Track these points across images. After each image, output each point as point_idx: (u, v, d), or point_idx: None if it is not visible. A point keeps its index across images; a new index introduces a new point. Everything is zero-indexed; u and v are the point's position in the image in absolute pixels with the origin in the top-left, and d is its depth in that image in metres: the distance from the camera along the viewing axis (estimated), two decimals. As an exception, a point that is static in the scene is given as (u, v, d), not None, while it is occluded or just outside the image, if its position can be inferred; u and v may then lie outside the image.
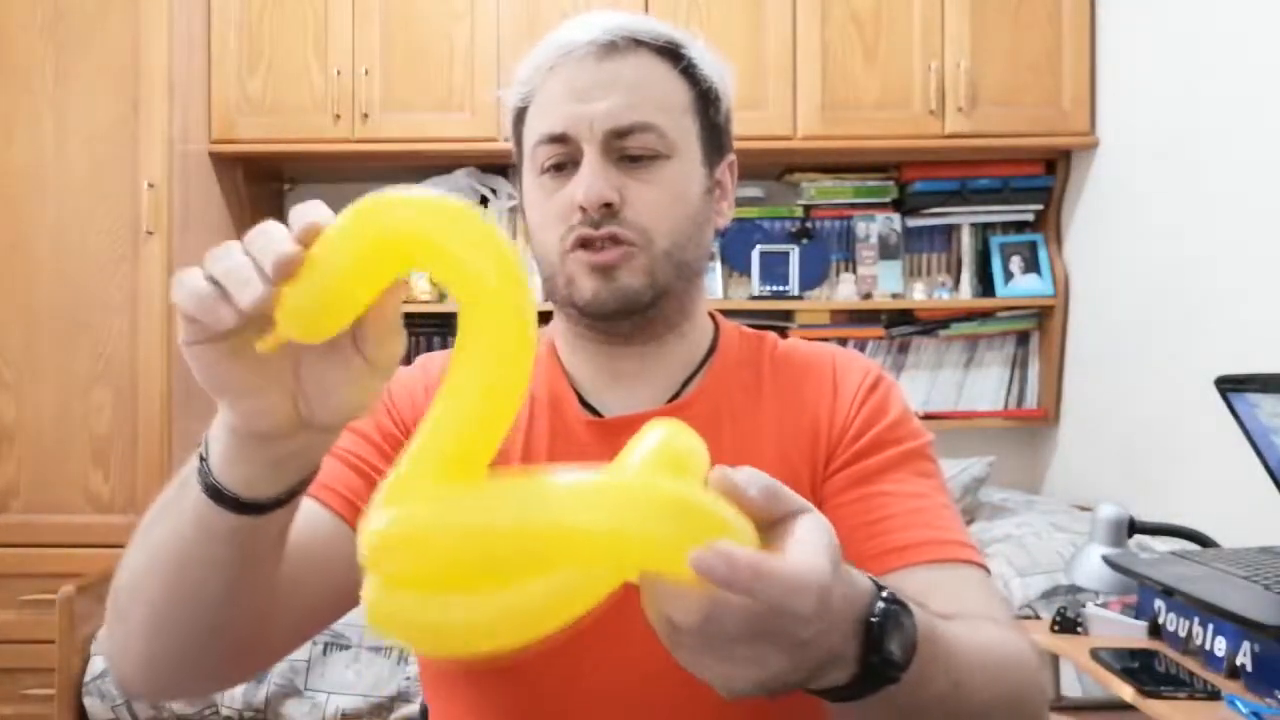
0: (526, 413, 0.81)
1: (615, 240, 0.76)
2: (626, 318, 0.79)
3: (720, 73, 0.83)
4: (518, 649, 0.43)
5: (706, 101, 0.82)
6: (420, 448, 0.46)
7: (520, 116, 0.83)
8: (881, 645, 0.49)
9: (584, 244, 0.76)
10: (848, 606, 0.48)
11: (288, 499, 0.56)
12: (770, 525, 0.46)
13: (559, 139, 0.77)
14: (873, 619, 0.49)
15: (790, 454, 0.79)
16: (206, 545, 0.56)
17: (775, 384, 0.83)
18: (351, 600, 0.73)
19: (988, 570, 0.75)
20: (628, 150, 0.77)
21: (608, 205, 0.75)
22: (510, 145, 0.87)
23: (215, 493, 0.54)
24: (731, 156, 0.86)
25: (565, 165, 0.78)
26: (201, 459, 0.55)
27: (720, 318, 0.90)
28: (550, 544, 0.42)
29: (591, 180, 0.75)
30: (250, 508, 0.55)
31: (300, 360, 0.50)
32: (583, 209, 0.75)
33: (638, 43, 0.78)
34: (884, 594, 0.51)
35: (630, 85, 0.77)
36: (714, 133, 0.83)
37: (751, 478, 0.46)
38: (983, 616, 0.67)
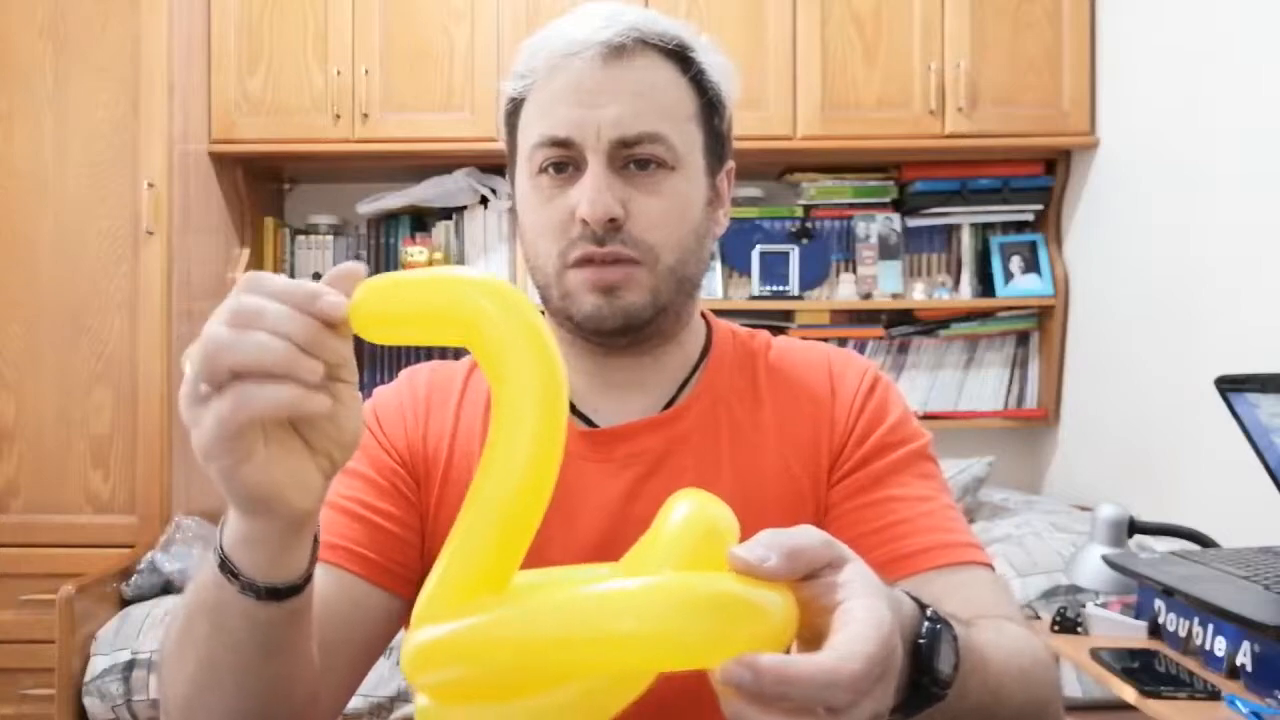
0: None
1: (619, 259, 0.73)
2: (625, 334, 0.77)
3: (726, 78, 0.80)
4: None
5: (712, 109, 0.79)
6: (453, 558, 0.47)
7: (516, 108, 0.79)
8: (931, 665, 0.50)
9: (585, 260, 0.74)
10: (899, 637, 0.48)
11: (307, 574, 0.57)
12: (808, 579, 0.46)
13: (561, 143, 0.74)
14: (920, 640, 0.50)
15: (790, 461, 0.78)
16: (263, 635, 0.57)
17: (772, 388, 0.82)
18: (384, 646, 0.76)
19: (993, 568, 0.76)
20: (634, 157, 0.74)
21: (612, 220, 0.73)
22: (503, 137, 0.83)
23: (257, 590, 0.55)
24: (731, 164, 0.84)
25: (565, 167, 0.75)
26: (225, 566, 0.55)
27: (713, 317, 0.88)
28: (589, 652, 0.43)
29: (596, 194, 0.72)
30: (293, 589, 0.56)
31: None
32: (584, 222, 0.73)
33: (646, 44, 0.75)
34: (928, 613, 0.51)
35: (638, 92, 0.74)
36: (717, 141, 0.81)
37: (768, 547, 0.45)
38: (1000, 617, 0.68)
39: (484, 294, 0.48)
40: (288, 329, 0.46)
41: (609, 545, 0.71)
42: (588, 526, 0.76)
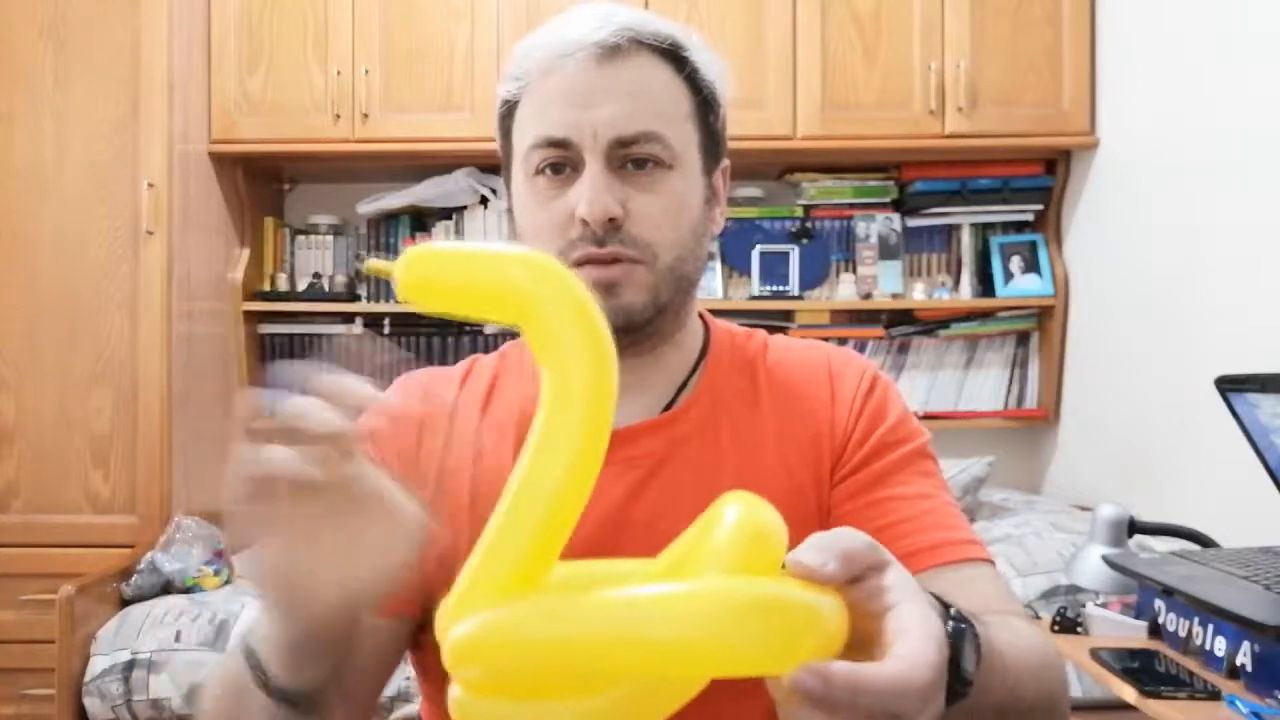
0: (514, 430, 0.79)
1: (618, 259, 0.73)
2: (625, 334, 0.76)
3: (720, 76, 0.81)
4: None
5: (707, 108, 0.80)
6: (498, 540, 0.46)
7: (510, 110, 0.79)
8: (958, 664, 0.50)
9: (585, 261, 0.73)
10: None
11: (336, 680, 0.60)
12: (854, 583, 0.46)
13: (558, 144, 0.74)
14: (948, 636, 0.49)
15: (791, 461, 0.78)
16: None
17: (772, 389, 0.82)
18: (397, 664, 0.77)
19: (993, 563, 0.76)
20: (631, 157, 0.74)
21: (611, 220, 0.73)
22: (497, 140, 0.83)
23: (284, 697, 0.58)
24: (726, 162, 0.84)
25: (562, 168, 0.75)
26: (254, 667, 0.58)
27: (710, 317, 0.88)
28: (635, 656, 0.42)
29: (595, 194, 0.72)
30: (311, 700, 0.59)
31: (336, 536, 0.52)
32: (584, 222, 0.73)
33: (640, 44, 0.75)
34: (952, 612, 0.51)
35: (633, 91, 0.74)
36: (712, 139, 0.81)
37: (823, 551, 0.45)
38: (1006, 613, 0.69)
39: (536, 275, 0.47)
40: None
41: (608, 549, 0.71)
42: (587, 530, 0.75)
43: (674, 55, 0.77)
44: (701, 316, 0.87)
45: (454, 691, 0.45)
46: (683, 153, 0.76)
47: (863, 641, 0.45)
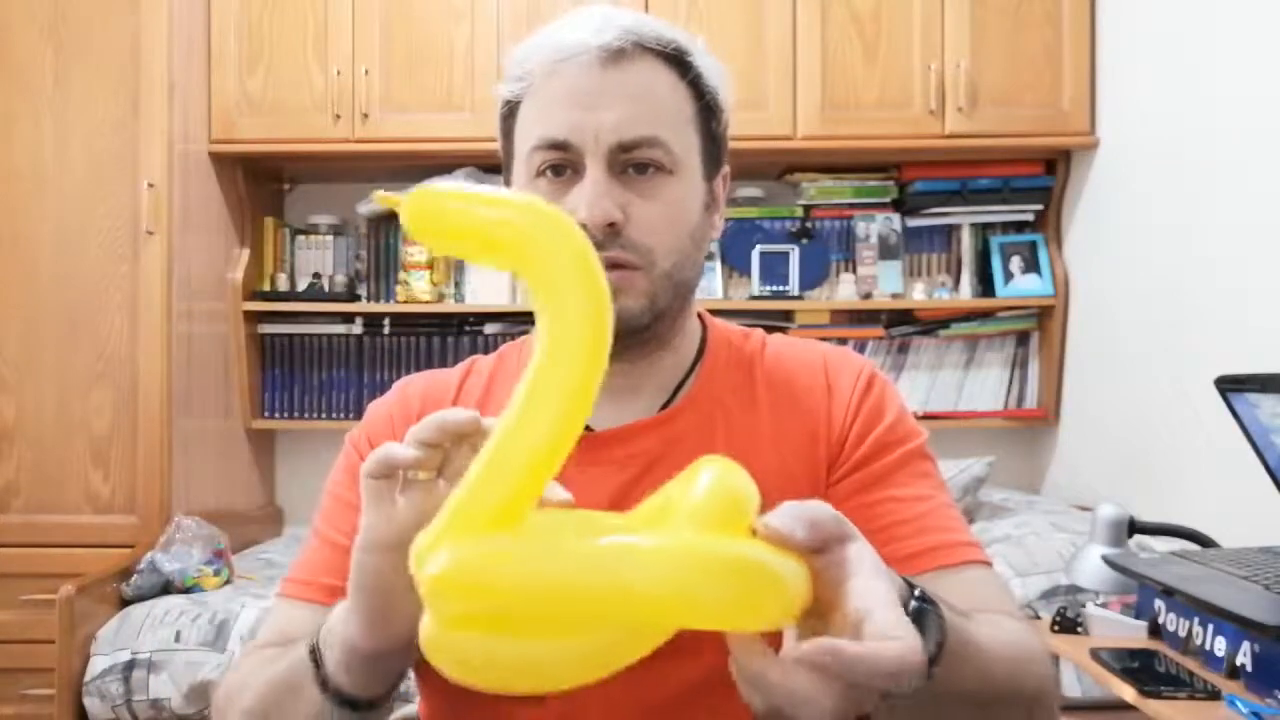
0: None
1: (617, 264, 0.73)
2: (622, 339, 0.76)
3: (722, 82, 0.81)
4: (563, 690, 0.46)
5: (709, 114, 0.80)
6: (482, 478, 0.47)
7: (511, 111, 0.79)
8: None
9: None
10: None
11: (394, 691, 0.65)
12: (817, 553, 0.48)
13: (560, 146, 0.74)
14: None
15: (788, 460, 0.78)
16: None
17: (769, 388, 0.82)
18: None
19: (991, 565, 0.77)
20: (632, 161, 0.74)
21: (611, 224, 0.73)
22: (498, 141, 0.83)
23: (339, 698, 0.62)
24: (726, 168, 0.84)
25: (563, 170, 0.75)
26: (316, 664, 0.63)
27: (709, 317, 0.88)
28: (610, 603, 0.44)
29: (595, 199, 0.72)
30: (368, 705, 0.63)
31: None
32: (584, 226, 0.72)
33: (644, 48, 0.75)
34: (916, 592, 0.53)
35: (636, 95, 0.74)
36: (714, 145, 0.81)
37: (794, 518, 0.47)
38: (1000, 613, 0.70)
39: (536, 219, 0.49)
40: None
41: None
42: None
43: (677, 60, 0.77)
44: (700, 317, 0.87)
45: (426, 626, 0.46)
46: (684, 158, 0.76)
47: (820, 609, 0.47)
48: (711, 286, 2.61)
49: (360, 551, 0.56)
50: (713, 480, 0.48)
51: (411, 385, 0.86)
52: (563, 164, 0.75)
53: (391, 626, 0.57)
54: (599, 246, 0.71)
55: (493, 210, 0.49)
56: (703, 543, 0.45)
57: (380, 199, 0.54)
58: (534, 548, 0.45)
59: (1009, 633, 0.66)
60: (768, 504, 0.75)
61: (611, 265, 0.73)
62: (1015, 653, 0.64)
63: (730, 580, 0.44)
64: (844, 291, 2.62)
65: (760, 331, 0.87)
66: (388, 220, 2.73)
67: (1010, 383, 2.65)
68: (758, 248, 2.60)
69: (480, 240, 0.50)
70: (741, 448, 0.78)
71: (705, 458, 0.51)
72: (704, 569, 0.43)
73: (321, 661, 0.62)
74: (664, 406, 0.80)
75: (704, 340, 0.85)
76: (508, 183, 0.82)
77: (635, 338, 0.77)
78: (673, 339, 0.82)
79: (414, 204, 0.50)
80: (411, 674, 0.83)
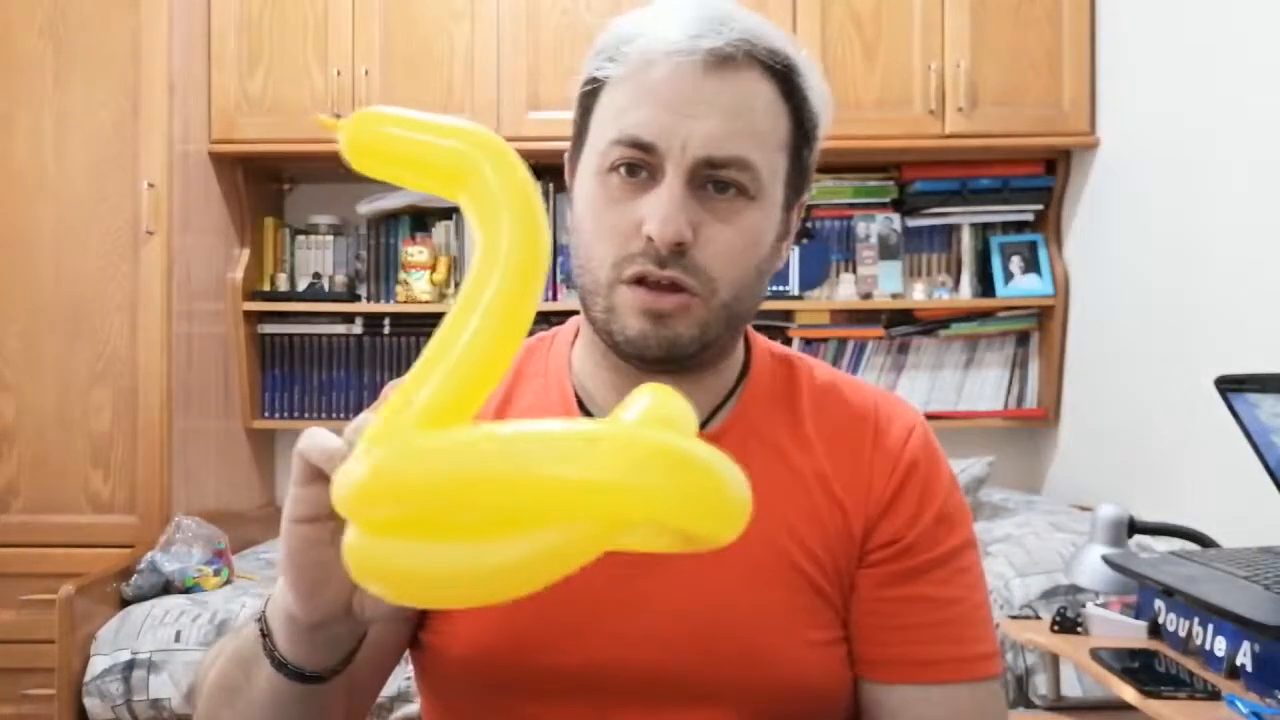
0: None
1: (676, 287, 0.68)
2: (665, 362, 0.71)
3: (825, 108, 0.75)
4: (503, 600, 0.43)
5: (804, 140, 0.74)
6: (407, 390, 0.45)
7: (595, 90, 0.73)
8: None
9: (640, 280, 0.69)
10: None
11: (345, 665, 0.63)
12: None
13: (643, 147, 0.68)
14: None
15: (820, 509, 0.74)
16: (293, 708, 0.64)
17: (814, 427, 0.77)
18: (398, 660, 0.78)
19: (1000, 674, 0.75)
20: (715, 179, 0.69)
21: (679, 244, 0.67)
22: (572, 115, 0.76)
23: (285, 669, 0.61)
24: (805, 196, 0.78)
25: (639, 170, 0.69)
26: (264, 635, 0.62)
27: (753, 334, 0.82)
28: (537, 495, 0.41)
29: (670, 214, 0.67)
30: (315, 677, 0.62)
31: None
32: (649, 239, 0.68)
33: (753, 58, 0.69)
34: None
35: (735, 109, 0.68)
36: (800, 173, 0.75)
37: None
38: None
39: (475, 142, 0.48)
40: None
41: (603, 563, 0.71)
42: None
43: (784, 77, 0.71)
44: (745, 334, 0.82)
45: (350, 536, 0.44)
46: (768, 185, 0.71)
47: None
48: (711, 286, 2.61)
49: (289, 521, 0.54)
50: (651, 399, 0.47)
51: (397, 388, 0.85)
52: (641, 164, 0.69)
53: (326, 595, 0.55)
54: (660, 263, 0.67)
55: (434, 136, 0.48)
56: (634, 431, 0.43)
57: (321, 123, 0.53)
58: (458, 445, 0.42)
59: None
60: (792, 544, 0.74)
61: (670, 287, 0.69)
62: None
63: (663, 469, 0.41)
64: (844, 291, 2.62)
65: (807, 361, 0.83)
66: (388, 220, 2.73)
67: (1010, 383, 2.65)
68: (758, 248, 2.60)
69: (420, 166, 0.49)
70: (775, 484, 0.74)
71: (643, 385, 0.48)
72: (634, 456, 0.41)
73: (269, 633, 0.61)
74: (702, 427, 0.76)
75: (747, 360, 0.81)
76: (573, 160, 0.77)
77: (678, 364, 0.72)
78: (719, 362, 0.78)
79: (354, 128, 0.49)
80: (412, 673, 0.83)
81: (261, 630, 0.62)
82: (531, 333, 0.71)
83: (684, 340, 0.70)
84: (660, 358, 0.71)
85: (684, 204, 0.68)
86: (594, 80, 0.73)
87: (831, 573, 0.74)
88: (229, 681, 0.66)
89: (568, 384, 0.79)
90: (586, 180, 0.73)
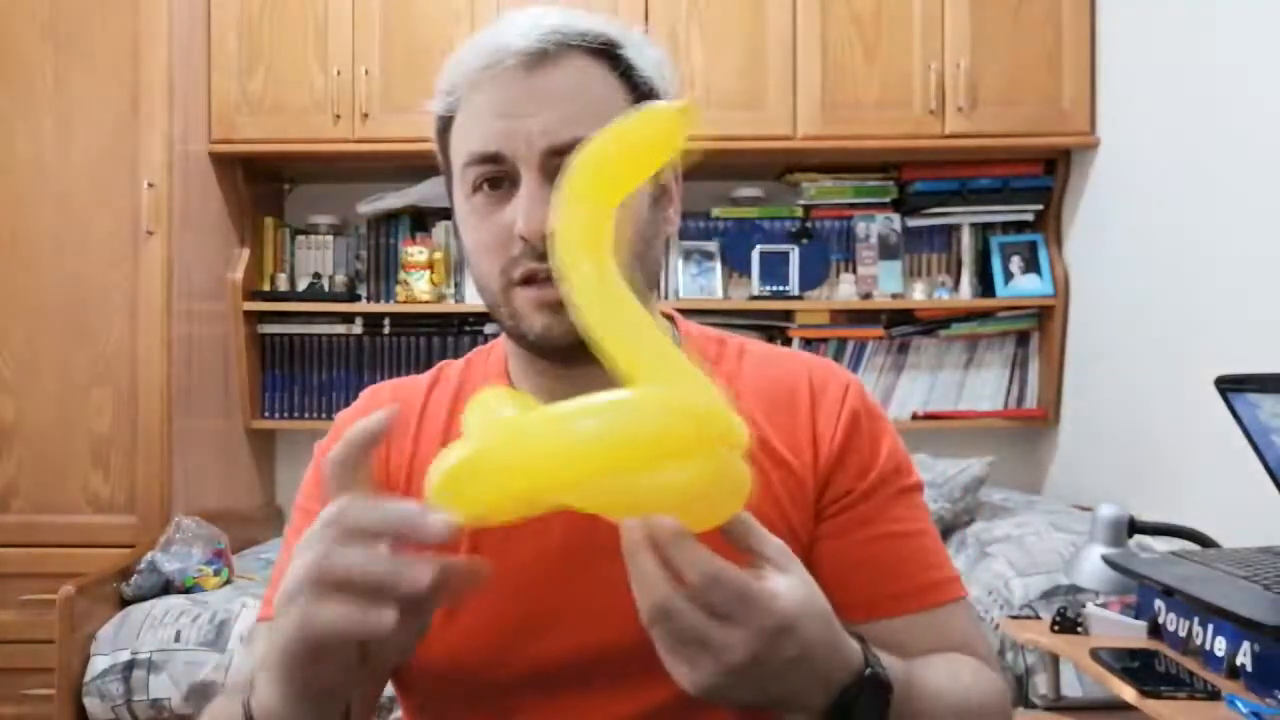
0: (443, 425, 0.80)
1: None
2: (577, 350, 0.71)
3: (658, 68, 0.76)
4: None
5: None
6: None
7: (445, 126, 0.77)
8: (849, 717, 0.55)
9: (529, 279, 0.71)
10: (829, 659, 0.55)
11: None
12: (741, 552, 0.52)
13: (492, 158, 0.71)
14: (848, 688, 0.56)
15: (771, 478, 0.76)
16: None
17: (754, 395, 0.78)
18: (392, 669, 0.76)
19: (967, 595, 0.79)
20: (567, 165, 0.72)
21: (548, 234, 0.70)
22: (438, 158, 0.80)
23: None
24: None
25: (500, 182, 0.72)
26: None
27: (680, 318, 0.84)
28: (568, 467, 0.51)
29: (531, 209, 0.69)
30: None
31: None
32: (524, 239, 0.70)
33: (569, 46, 0.72)
34: (868, 672, 0.57)
35: (565, 96, 0.71)
36: None
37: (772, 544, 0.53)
38: (964, 652, 0.74)
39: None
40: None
41: (579, 547, 0.70)
42: (559, 529, 0.73)
43: (607, 54, 0.74)
44: (671, 318, 0.84)
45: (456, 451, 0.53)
46: None
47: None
48: (711, 286, 2.61)
49: (312, 631, 0.50)
50: (508, 400, 0.59)
51: (380, 393, 0.85)
52: (498, 176, 0.72)
53: (328, 709, 0.54)
54: (540, 258, 0.69)
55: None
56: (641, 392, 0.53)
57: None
58: (502, 434, 0.52)
59: (967, 682, 0.69)
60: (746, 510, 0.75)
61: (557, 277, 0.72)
62: (970, 701, 0.67)
63: (663, 419, 0.50)
64: (844, 291, 2.62)
65: (737, 338, 0.85)
66: (388, 220, 2.73)
67: (1010, 383, 2.65)
68: (758, 248, 2.60)
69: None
70: None
71: (474, 399, 0.58)
72: (642, 409, 0.50)
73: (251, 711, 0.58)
74: None
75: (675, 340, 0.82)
76: (450, 200, 0.79)
77: (585, 350, 0.71)
78: None
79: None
80: (391, 684, 0.82)
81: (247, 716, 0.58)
82: (474, 345, 0.71)
83: (582, 325, 0.72)
84: (571, 344, 0.70)
85: (544, 196, 0.69)
86: (442, 119, 0.77)
87: (785, 533, 0.74)
88: None
89: (505, 381, 0.83)
90: (461, 207, 0.76)
